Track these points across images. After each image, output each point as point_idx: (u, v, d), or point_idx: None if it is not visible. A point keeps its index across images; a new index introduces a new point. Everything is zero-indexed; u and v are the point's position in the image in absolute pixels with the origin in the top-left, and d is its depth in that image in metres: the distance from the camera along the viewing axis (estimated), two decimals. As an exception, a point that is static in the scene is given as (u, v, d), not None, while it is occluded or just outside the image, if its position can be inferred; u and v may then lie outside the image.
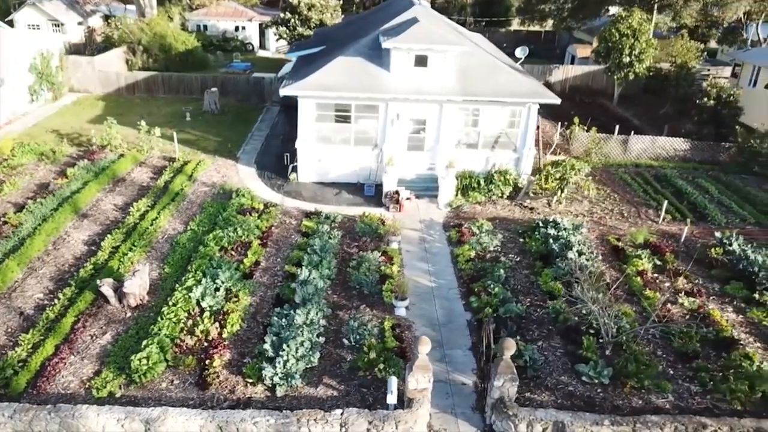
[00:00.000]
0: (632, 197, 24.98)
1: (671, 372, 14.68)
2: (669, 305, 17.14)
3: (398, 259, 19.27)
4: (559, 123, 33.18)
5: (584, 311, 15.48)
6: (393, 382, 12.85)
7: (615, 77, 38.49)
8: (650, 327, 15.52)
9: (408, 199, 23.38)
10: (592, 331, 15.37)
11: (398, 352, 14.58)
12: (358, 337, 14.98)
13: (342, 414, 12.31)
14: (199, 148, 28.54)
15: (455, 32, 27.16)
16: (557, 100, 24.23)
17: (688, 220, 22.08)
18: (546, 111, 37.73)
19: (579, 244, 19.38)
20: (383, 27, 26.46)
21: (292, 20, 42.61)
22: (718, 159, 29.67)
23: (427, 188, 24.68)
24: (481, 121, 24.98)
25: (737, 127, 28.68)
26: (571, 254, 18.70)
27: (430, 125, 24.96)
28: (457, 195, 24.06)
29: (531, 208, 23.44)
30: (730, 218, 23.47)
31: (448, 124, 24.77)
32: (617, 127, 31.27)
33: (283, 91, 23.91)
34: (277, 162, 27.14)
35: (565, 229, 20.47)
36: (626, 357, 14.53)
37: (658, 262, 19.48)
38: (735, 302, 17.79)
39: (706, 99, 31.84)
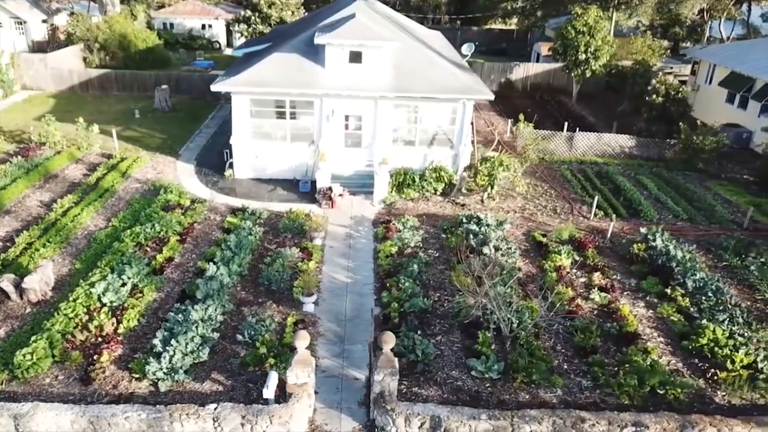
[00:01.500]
0: (569, 194, 24.94)
1: (566, 367, 14.61)
2: (580, 301, 17.07)
3: (318, 255, 19.16)
4: (510, 120, 33.22)
5: (489, 306, 15.40)
6: (272, 376, 12.75)
7: (572, 75, 38.49)
8: (543, 321, 15.42)
9: (341, 195, 23.26)
10: (492, 326, 15.29)
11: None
12: (253, 332, 14.85)
13: (215, 408, 12.19)
14: (142, 146, 28.37)
15: (396, 28, 27.03)
16: (490, 96, 24.17)
17: (614, 216, 22.08)
18: (504, 109, 37.90)
19: (497, 240, 19.31)
20: (321, 23, 26.37)
21: (252, 18, 42.44)
22: (664, 156, 29.66)
23: (363, 185, 24.57)
24: (418, 118, 24.89)
25: (681, 124, 28.64)
26: (486, 249, 18.63)
27: (367, 122, 24.87)
28: (392, 192, 23.98)
29: (462, 205, 23.36)
30: (664, 215, 23.46)
31: (384, 120, 24.69)
32: (566, 124, 31.29)
33: (215, 87, 23.79)
34: (219, 159, 26.99)
35: (487, 225, 20.41)
36: (519, 352, 14.46)
37: (578, 258, 19.44)
38: (648, 297, 17.75)
39: (655, 96, 31.84)
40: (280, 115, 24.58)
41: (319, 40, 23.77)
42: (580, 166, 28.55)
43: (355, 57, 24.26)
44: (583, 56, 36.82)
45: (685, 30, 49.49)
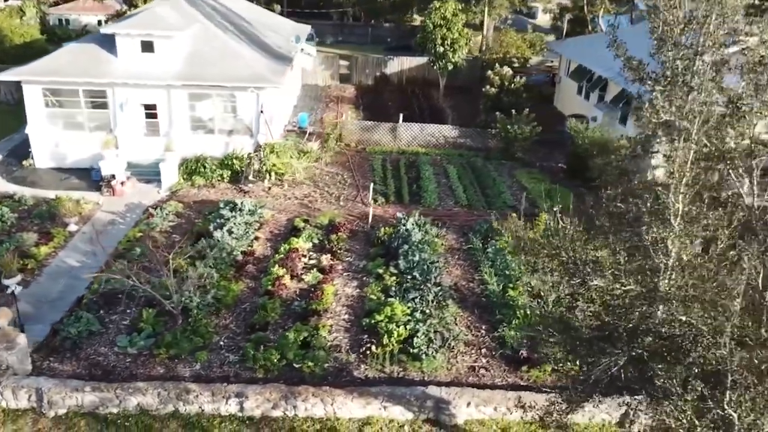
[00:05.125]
0: (363, 182, 25.26)
1: (224, 342, 14.92)
2: (288, 281, 17.37)
3: (60, 240, 19.35)
4: (362, 113, 33.57)
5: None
6: None
7: (436, 68, 38.88)
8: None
9: (123, 183, 23.46)
10: (172, 305, 15.55)
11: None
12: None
13: None
14: (-37, 136, 28.40)
15: (204, 18, 27.17)
16: (279, 86, 24.54)
17: (372, 201, 22.46)
18: (367, 102, 38.22)
19: (237, 225, 19.62)
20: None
21: (127, 12, 42.52)
22: (488, 145, 30.10)
23: (158, 173, 24.74)
24: (212, 106, 25.15)
25: (497, 113, 29.03)
26: (218, 233, 18.93)
27: (162, 111, 25.08)
28: (184, 179, 24.22)
29: (246, 192, 23.64)
30: (445, 201, 23.87)
31: (180, 109, 24.91)
32: (401, 116, 31.59)
33: (2, 77, 23.91)
34: (33, 149, 27.03)
35: (240, 210, 20.70)
36: (180, 329, 14.76)
37: (318, 241, 19.77)
38: (365, 278, 18.09)
39: (489, 87, 32.31)
40: (77, 104, 24.72)
41: (106, 30, 24.01)
42: (400, 156, 28.90)
43: (147, 46, 24.46)
44: (441, 49, 37.22)
45: (569, 24, 50.17)
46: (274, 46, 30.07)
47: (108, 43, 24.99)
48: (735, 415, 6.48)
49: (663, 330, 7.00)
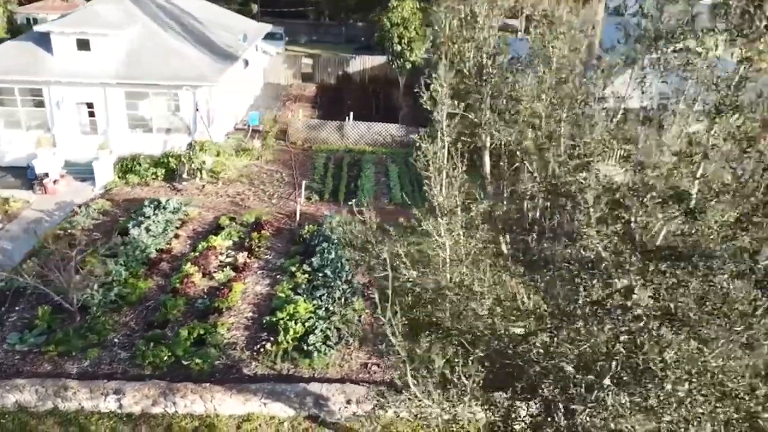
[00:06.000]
0: (301, 180, 25.23)
1: (118, 340, 14.92)
2: (197, 279, 17.37)
3: (-27, 237, 19.37)
4: (317, 113, 33.63)
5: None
6: None
7: (394, 66, 38.87)
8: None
9: (56, 181, 23.45)
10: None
11: None
12: None
13: None
14: None
15: (140, 17, 27.00)
16: (215, 84, 24.52)
17: (305, 199, 22.48)
18: (325, 101, 38.22)
19: (155, 223, 19.62)
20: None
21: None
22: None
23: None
24: (151, 105, 25.15)
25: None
26: (134, 231, 18.93)
27: (99, 109, 25.07)
28: (119, 177, 24.22)
29: (179, 190, 23.64)
30: (381, 199, 23.90)
31: (116, 107, 24.91)
32: (349, 115, 31.60)
33: (-64, 74, 23.90)
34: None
35: (164, 208, 20.71)
36: (76, 327, 14.77)
37: (237, 239, 19.79)
38: (278, 276, 18.09)
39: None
40: (13, 102, 24.71)
41: (41, 28, 24.00)
42: (345, 154, 28.87)
43: (83, 45, 24.45)
44: (399, 48, 37.22)
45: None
46: (222, 45, 30.03)
47: (45, 41, 24.96)
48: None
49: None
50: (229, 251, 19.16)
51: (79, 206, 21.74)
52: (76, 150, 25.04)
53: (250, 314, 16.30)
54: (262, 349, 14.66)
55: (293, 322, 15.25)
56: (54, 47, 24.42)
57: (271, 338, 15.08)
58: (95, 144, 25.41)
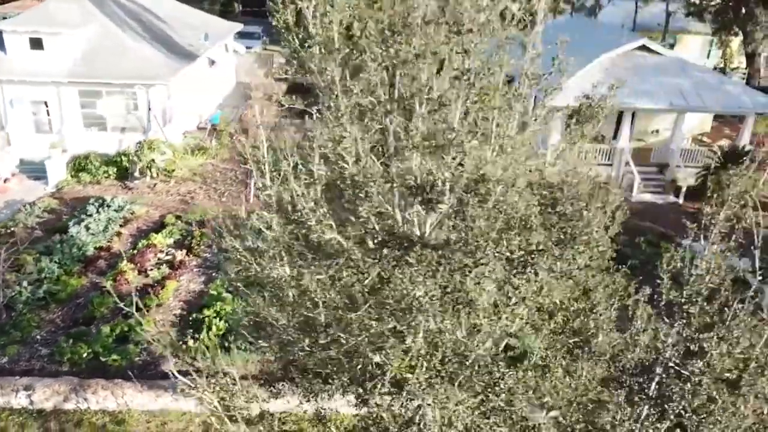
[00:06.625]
0: (251, 179, 25.36)
1: (40, 337, 15.01)
2: (130, 276, 17.45)
3: None
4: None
5: None
6: None
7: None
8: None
9: (7, 180, 23.53)
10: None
11: None
12: None
13: None
14: None
15: (97, 15, 27.02)
16: (167, 83, 24.59)
17: (254, 197, 22.57)
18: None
19: (97, 221, 19.71)
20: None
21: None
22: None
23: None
24: (106, 104, 25.21)
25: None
26: (74, 229, 19.02)
27: (53, 108, 25.14)
28: (72, 176, 24.30)
29: (130, 188, 23.72)
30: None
31: (70, 106, 24.97)
32: (314, 111, 31.64)
33: None
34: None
35: (108, 206, 20.80)
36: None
37: (179, 237, 19.87)
38: (214, 274, 18.18)
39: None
40: (-34, 101, 24.81)
41: (-8, 26, 24.02)
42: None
43: (36, 43, 24.51)
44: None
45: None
46: (183, 44, 30.08)
47: (-1, 40, 25.07)
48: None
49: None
50: (170, 249, 19.24)
51: (22, 205, 21.79)
52: (31, 149, 25.09)
53: (179, 311, 16.41)
54: (183, 346, 14.73)
55: (218, 319, 15.35)
56: (6, 46, 24.50)
57: (196, 335, 15.19)
58: (48, 143, 25.52)
